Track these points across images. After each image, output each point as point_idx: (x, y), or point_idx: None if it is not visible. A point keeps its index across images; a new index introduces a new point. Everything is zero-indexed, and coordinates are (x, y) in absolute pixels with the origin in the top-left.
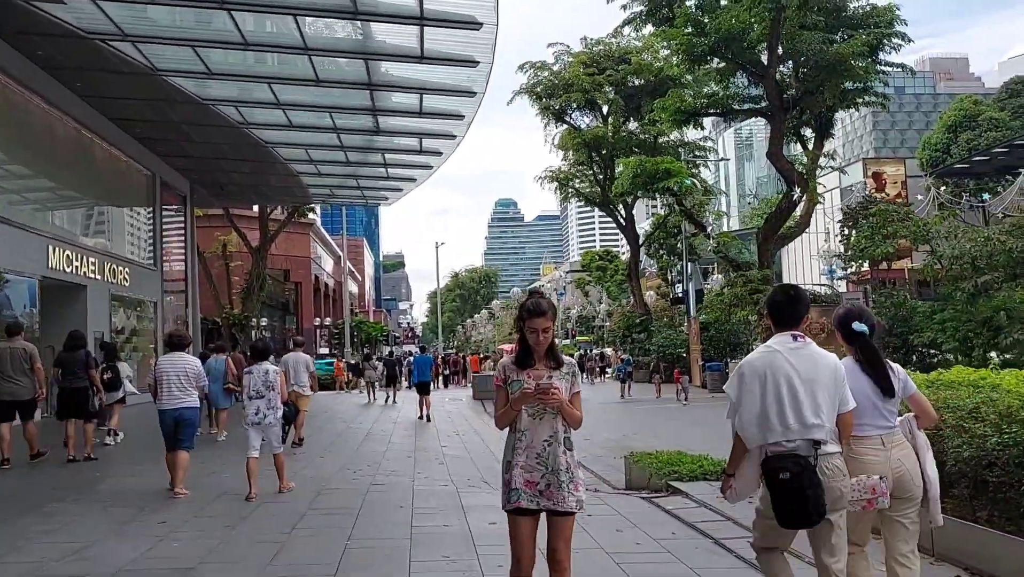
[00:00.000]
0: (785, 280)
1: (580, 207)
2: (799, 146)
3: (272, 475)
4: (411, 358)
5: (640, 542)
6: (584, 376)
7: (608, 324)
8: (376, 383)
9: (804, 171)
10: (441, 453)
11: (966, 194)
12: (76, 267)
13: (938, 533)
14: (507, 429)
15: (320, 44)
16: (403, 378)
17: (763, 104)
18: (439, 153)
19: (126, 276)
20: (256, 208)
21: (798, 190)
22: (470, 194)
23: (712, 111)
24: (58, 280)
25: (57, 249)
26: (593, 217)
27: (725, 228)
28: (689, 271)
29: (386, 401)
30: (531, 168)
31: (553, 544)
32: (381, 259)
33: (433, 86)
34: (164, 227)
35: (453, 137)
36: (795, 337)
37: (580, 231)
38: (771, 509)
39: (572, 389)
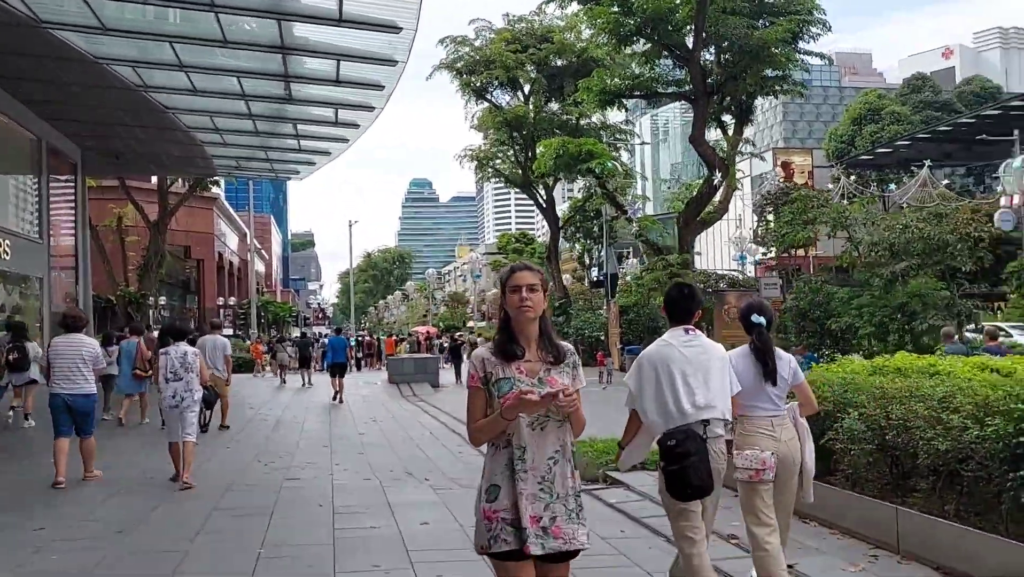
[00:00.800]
0: (699, 266)
1: (497, 189)
2: (718, 132)
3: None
4: (324, 340)
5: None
6: None
7: None
8: (287, 365)
9: (725, 156)
10: (359, 442)
11: (873, 184)
12: None
13: (904, 528)
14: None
15: (228, 1)
16: (316, 360)
17: (687, 88)
18: (356, 126)
19: (6, 249)
20: (155, 180)
21: (719, 175)
22: (384, 173)
23: (637, 93)
24: None
25: None
26: (509, 199)
27: (643, 213)
28: (609, 255)
29: (302, 384)
30: (447, 148)
31: None
32: (290, 237)
33: (352, 52)
34: (52, 197)
35: (371, 109)
36: (687, 331)
37: (496, 213)
38: (664, 485)
39: (575, 386)
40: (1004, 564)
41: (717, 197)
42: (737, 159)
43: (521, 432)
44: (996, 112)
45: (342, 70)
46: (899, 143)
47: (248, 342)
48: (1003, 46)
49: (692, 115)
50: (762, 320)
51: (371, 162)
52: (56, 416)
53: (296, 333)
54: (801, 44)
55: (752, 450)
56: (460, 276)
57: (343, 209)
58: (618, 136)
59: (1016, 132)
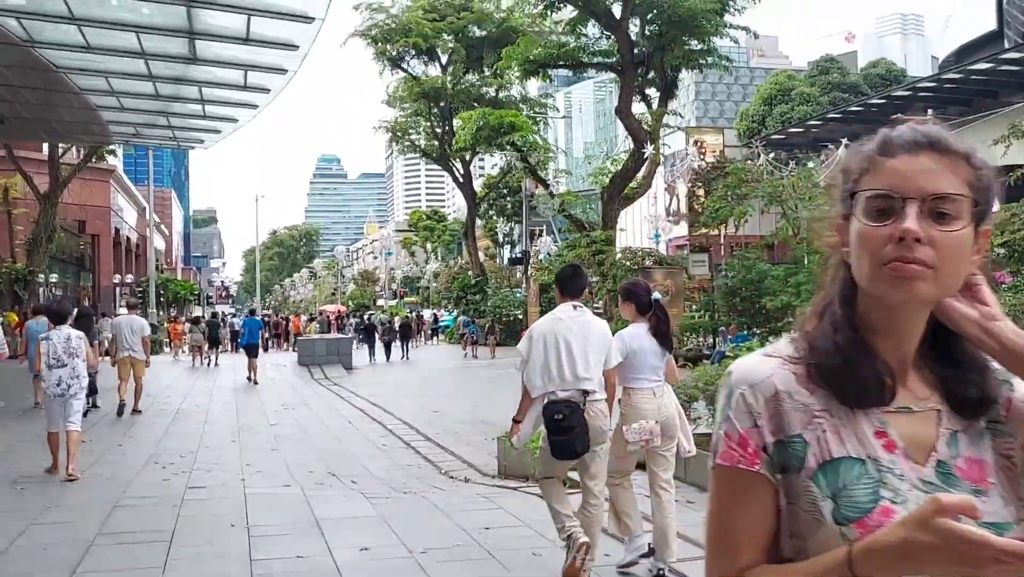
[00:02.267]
0: (620, 244)
1: (408, 166)
2: (643, 106)
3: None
4: (234, 320)
5: None
6: (417, 339)
7: (435, 285)
8: (200, 346)
9: (650, 129)
10: (271, 435)
11: (792, 163)
12: None
13: None
14: None
15: None
16: (227, 341)
17: (614, 59)
18: (266, 90)
19: None
20: (46, 149)
21: (651, 148)
22: (291, 149)
23: (562, 63)
24: None
25: None
26: (419, 177)
27: (567, 188)
28: (525, 231)
29: (207, 364)
30: (355, 123)
31: None
32: (191, 213)
33: (263, 7)
34: None
35: (284, 72)
36: (575, 307)
37: (406, 191)
38: (548, 449)
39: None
40: None
41: (640, 173)
42: (663, 132)
43: None
44: (905, 93)
45: (253, 27)
46: (811, 123)
47: (166, 324)
48: (902, 32)
49: (604, 93)
50: (660, 297)
51: (278, 137)
52: None
53: (197, 312)
54: (727, 17)
55: (640, 422)
56: (370, 254)
57: (247, 185)
58: (537, 110)
59: (930, 112)
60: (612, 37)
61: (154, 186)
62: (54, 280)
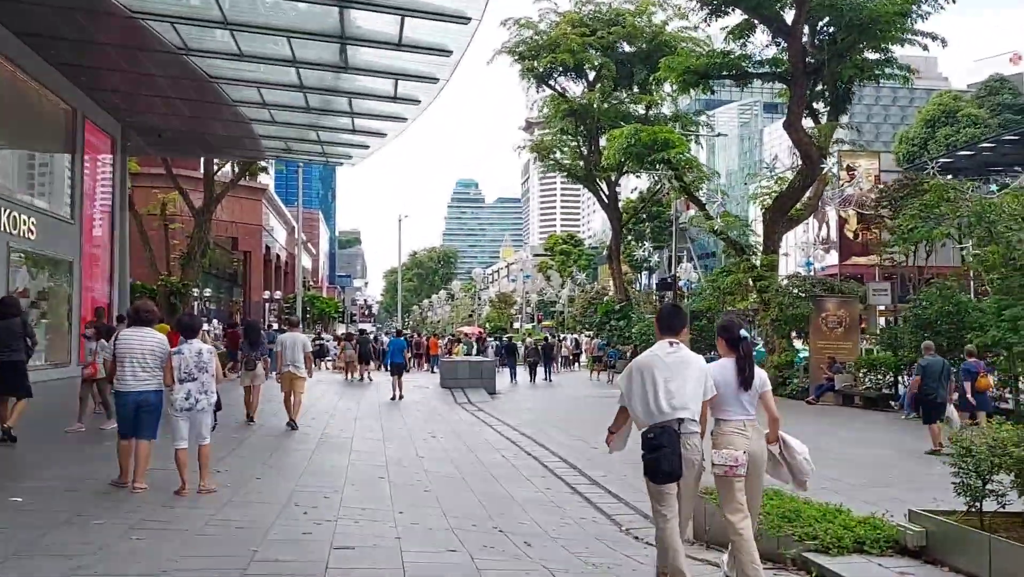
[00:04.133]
0: (784, 269)
1: (543, 190)
2: (809, 121)
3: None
4: (384, 337)
5: None
6: (559, 364)
7: (569, 310)
8: (353, 363)
9: (819, 143)
10: (423, 470)
11: (975, 185)
12: None
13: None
14: None
15: None
16: (375, 358)
17: (783, 68)
18: (416, 101)
19: (31, 227)
20: (201, 166)
21: (830, 162)
22: (430, 174)
23: (724, 73)
24: None
25: None
26: (555, 201)
27: (725, 208)
28: (674, 254)
29: (361, 379)
30: (493, 149)
31: None
32: (337, 234)
33: (418, 7)
34: (93, 177)
35: (435, 81)
36: (671, 344)
37: (541, 215)
38: (644, 470)
39: None
40: None
41: (808, 193)
42: (833, 149)
43: None
44: None
45: (406, 30)
46: (983, 145)
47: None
48: None
49: (749, 116)
50: (747, 334)
51: (417, 163)
52: (123, 416)
53: (341, 330)
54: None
55: (727, 449)
56: (506, 277)
57: (389, 208)
58: (690, 128)
59: None
60: (781, 44)
61: (303, 207)
62: (208, 294)
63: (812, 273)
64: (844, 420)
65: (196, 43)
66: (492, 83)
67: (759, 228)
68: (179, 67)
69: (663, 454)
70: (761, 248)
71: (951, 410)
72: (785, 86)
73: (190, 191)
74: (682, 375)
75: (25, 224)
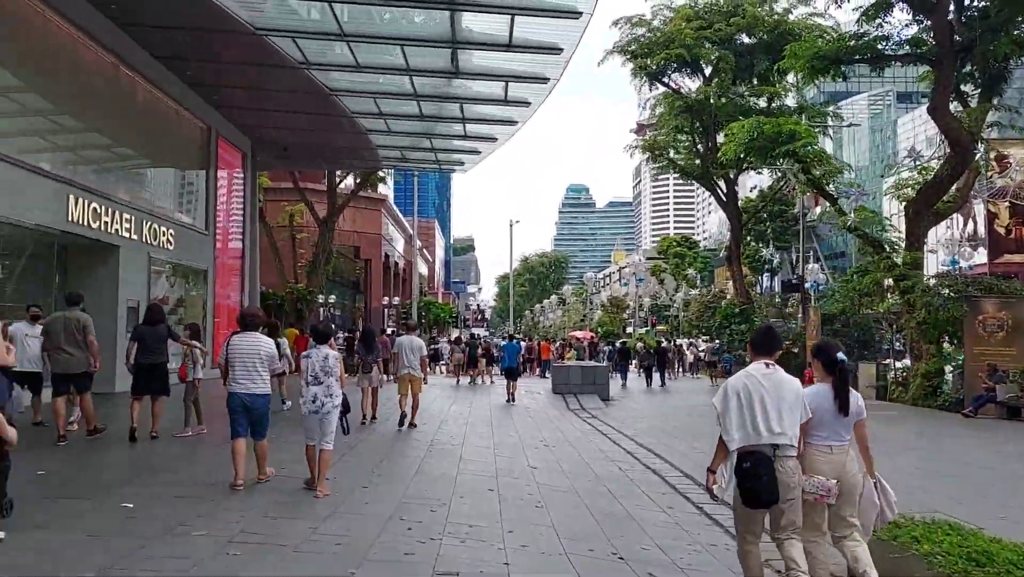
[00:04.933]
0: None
1: (655, 192)
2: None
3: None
4: (499, 341)
5: None
6: (678, 369)
7: (684, 314)
8: (462, 365)
9: (970, 128)
10: (534, 483)
11: None
12: (105, 223)
13: None
14: None
15: None
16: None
17: (924, 48)
18: (526, 103)
19: (170, 238)
20: (325, 181)
21: (982, 148)
22: (539, 179)
23: (858, 57)
24: (82, 237)
25: (80, 200)
26: (667, 203)
27: (861, 202)
28: (801, 254)
29: (471, 382)
30: (603, 153)
31: None
32: (452, 242)
33: (528, 4)
34: (224, 189)
35: (545, 81)
36: (768, 365)
37: (654, 218)
38: (738, 496)
39: None
40: None
41: (956, 184)
42: (986, 134)
43: None
44: None
45: (516, 30)
46: None
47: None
48: None
49: (880, 107)
50: (845, 358)
51: (528, 170)
52: (233, 416)
53: (455, 334)
54: None
55: (820, 477)
56: (617, 281)
57: (501, 215)
58: (816, 119)
59: None
60: (923, 22)
61: (420, 217)
62: (332, 300)
63: (959, 272)
64: (1008, 435)
65: (316, 57)
66: (602, 88)
67: (896, 224)
68: (301, 81)
69: (761, 483)
70: (902, 245)
71: None
72: (929, 68)
73: (315, 203)
74: (780, 398)
75: (164, 235)
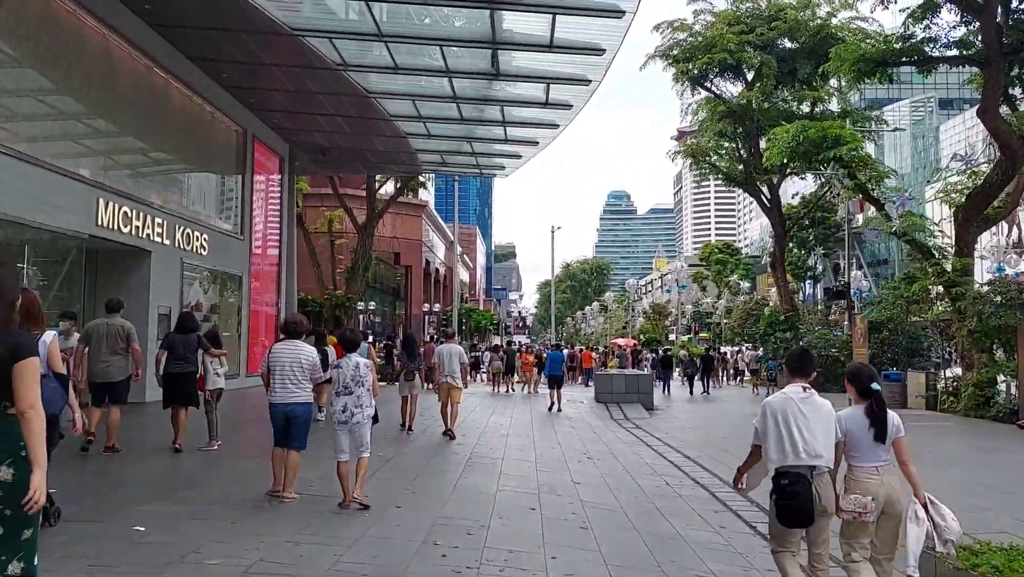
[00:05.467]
0: (978, 274)
1: (696, 199)
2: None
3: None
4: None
5: None
6: (723, 377)
7: (727, 321)
8: (500, 373)
9: (1019, 131)
10: (578, 500)
11: None
12: (136, 228)
13: None
14: None
15: None
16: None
17: (973, 50)
18: (568, 106)
19: (203, 243)
20: (364, 187)
21: None
22: (581, 186)
23: (905, 60)
24: (112, 241)
25: (111, 203)
26: (708, 210)
27: (909, 208)
28: (847, 260)
29: (507, 391)
30: (644, 161)
31: None
32: (493, 248)
33: (571, 2)
34: (262, 194)
35: (587, 83)
36: (804, 388)
37: (695, 225)
38: (775, 513)
39: None
40: None
41: (1008, 188)
42: None
43: None
44: None
45: (557, 30)
46: None
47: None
48: None
49: (923, 113)
50: (879, 387)
51: (570, 177)
52: (275, 426)
53: (496, 341)
54: None
55: (857, 495)
56: (659, 288)
57: (542, 223)
58: (860, 124)
59: None
60: (971, 24)
61: (461, 224)
62: (372, 307)
63: (1007, 279)
64: None
65: (354, 58)
66: (643, 97)
67: (946, 230)
68: (339, 83)
69: (799, 502)
70: (952, 252)
71: None
72: (978, 69)
73: (355, 209)
74: (815, 421)
75: (198, 240)
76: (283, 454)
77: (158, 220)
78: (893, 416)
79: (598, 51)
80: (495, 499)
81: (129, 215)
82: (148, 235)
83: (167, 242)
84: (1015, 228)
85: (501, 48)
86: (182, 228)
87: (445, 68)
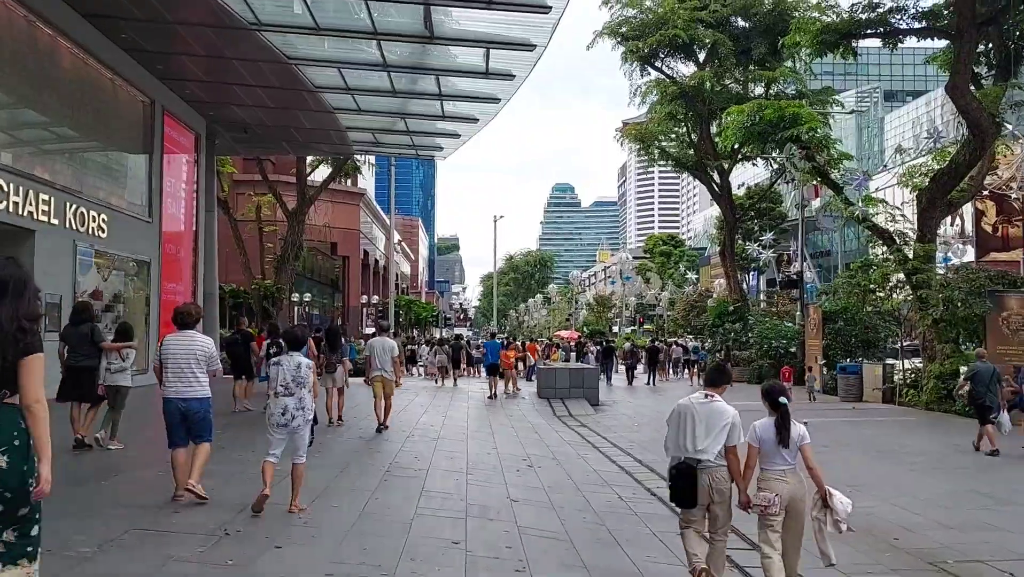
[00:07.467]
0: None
1: (640, 192)
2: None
3: None
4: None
5: None
6: (670, 370)
7: (670, 313)
8: (445, 367)
9: (990, 109)
10: (515, 526)
11: None
12: (16, 203)
13: None
14: None
15: None
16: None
17: (943, 22)
18: (510, 76)
19: (102, 225)
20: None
21: (1012, 127)
22: (523, 180)
23: (871, 31)
24: None
25: None
26: (652, 203)
27: (866, 190)
28: (801, 248)
29: (453, 383)
30: (587, 155)
31: None
32: (436, 241)
33: None
34: (176, 174)
35: (532, 48)
36: (707, 396)
37: (639, 217)
38: (669, 495)
39: None
40: None
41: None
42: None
43: None
44: None
45: None
46: None
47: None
48: None
49: (868, 104)
50: (786, 401)
51: (513, 171)
52: (170, 423)
53: (437, 334)
54: None
55: (765, 492)
56: (603, 280)
57: (486, 216)
58: (816, 105)
59: None
60: None
61: (404, 215)
62: (308, 299)
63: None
64: None
65: (270, 17)
66: (591, 90)
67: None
68: (256, 48)
69: (680, 486)
70: (914, 237)
71: (1003, 415)
72: (943, 45)
73: (286, 196)
74: (709, 424)
75: (95, 221)
76: (184, 457)
77: (43, 196)
78: (799, 427)
79: (544, 8)
80: (410, 528)
81: (6, 189)
82: (31, 213)
83: (55, 222)
84: (958, 218)
85: (434, 4)
86: (75, 207)
87: (372, 29)
